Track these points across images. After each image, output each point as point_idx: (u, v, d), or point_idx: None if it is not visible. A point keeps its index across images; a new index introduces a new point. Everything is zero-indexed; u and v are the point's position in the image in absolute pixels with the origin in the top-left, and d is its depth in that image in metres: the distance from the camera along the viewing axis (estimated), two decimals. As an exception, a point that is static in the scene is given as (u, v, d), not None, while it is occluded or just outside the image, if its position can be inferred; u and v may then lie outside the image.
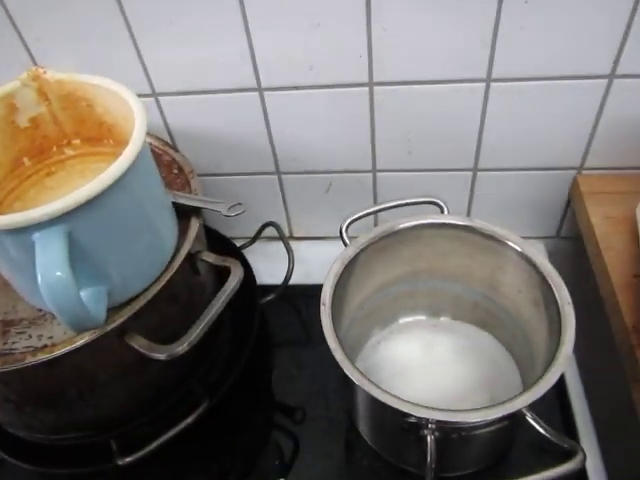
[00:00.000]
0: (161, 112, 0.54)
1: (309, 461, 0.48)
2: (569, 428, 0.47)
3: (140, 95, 0.53)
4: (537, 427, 0.35)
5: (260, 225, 0.59)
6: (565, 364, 0.35)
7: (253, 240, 0.60)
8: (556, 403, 0.49)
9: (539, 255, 0.42)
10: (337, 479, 0.48)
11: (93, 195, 0.31)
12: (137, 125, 0.34)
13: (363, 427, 0.47)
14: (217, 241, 0.58)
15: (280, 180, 0.60)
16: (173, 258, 0.41)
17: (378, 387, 0.36)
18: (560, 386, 0.50)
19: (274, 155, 0.57)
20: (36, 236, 0.31)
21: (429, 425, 0.37)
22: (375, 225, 0.62)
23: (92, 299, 0.35)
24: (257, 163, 0.58)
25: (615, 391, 0.47)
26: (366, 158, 0.56)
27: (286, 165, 0.58)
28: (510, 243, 0.42)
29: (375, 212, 0.49)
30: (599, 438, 0.46)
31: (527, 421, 0.36)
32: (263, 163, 0.58)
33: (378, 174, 0.58)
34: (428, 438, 0.37)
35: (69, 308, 0.31)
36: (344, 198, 0.60)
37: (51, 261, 0.30)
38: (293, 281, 0.55)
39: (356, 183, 0.59)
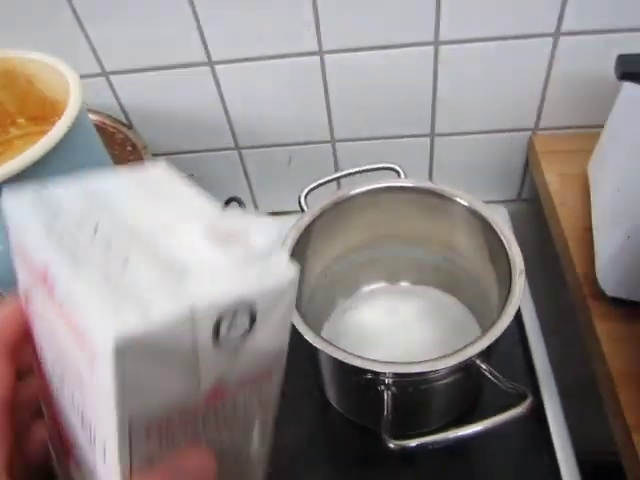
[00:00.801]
0: (113, 91, 0.54)
1: (278, 429, 0.49)
2: (534, 389, 0.48)
3: (90, 75, 0.53)
4: (488, 375, 0.36)
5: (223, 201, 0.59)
6: (515, 307, 0.36)
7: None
8: (522, 365, 0.50)
9: (483, 205, 0.42)
10: (307, 445, 0.48)
11: (17, 170, 0.30)
12: (72, 97, 0.34)
13: (329, 392, 0.48)
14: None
15: (240, 155, 0.60)
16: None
17: (330, 344, 0.36)
18: (525, 349, 0.51)
19: (232, 130, 0.57)
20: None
21: (386, 381, 0.37)
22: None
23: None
24: (216, 139, 0.58)
25: (576, 351, 0.48)
26: (324, 128, 0.56)
27: (245, 140, 0.58)
28: (458, 199, 0.43)
29: (332, 180, 0.49)
30: (563, 396, 0.47)
31: (483, 374, 0.37)
32: (222, 139, 0.58)
33: (337, 144, 0.58)
34: (385, 394, 0.37)
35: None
36: (306, 170, 0.61)
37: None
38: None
39: (317, 154, 0.59)
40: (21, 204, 0.17)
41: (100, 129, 0.52)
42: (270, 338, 0.16)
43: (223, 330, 0.14)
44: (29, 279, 0.17)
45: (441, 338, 0.52)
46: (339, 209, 0.47)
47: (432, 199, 0.46)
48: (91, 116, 0.53)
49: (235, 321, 0.14)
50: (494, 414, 0.48)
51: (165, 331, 0.13)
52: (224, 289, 0.14)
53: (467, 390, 0.45)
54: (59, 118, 0.42)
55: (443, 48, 0.48)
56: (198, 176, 0.45)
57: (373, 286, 0.55)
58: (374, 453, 0.44)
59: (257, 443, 0.21)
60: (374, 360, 0.35)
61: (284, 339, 0.17)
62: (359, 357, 0.35)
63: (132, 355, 0.13)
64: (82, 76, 0.52)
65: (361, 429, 0.47)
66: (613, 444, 0.38)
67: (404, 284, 0.55)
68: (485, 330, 0.46)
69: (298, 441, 0.48)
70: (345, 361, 0.35)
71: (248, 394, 0.18)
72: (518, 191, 0.63)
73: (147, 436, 0.15)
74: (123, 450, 0.14)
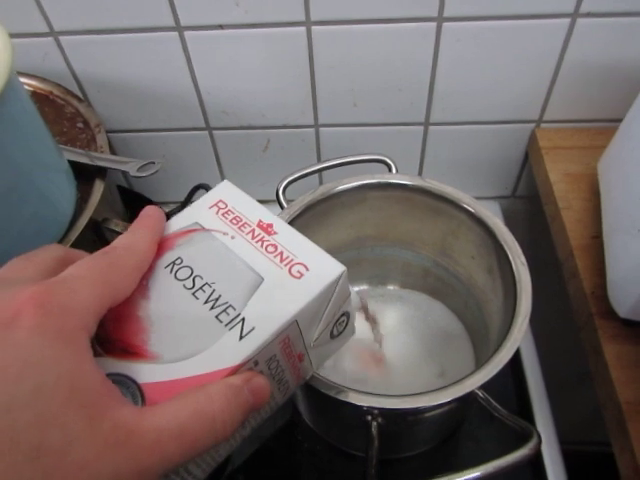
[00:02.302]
0: (64, 55, 0.46)
1: (247, 444, 0.44)
2: (523, 403, 0.44)
3: (35, 34, 0.45)
4: (489, 408, 0.32)
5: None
6: (520, 339, 0.32)
7: (183, 205, 0.54)
8: (509, 375, 0.47)
9: (493, 218, 0.38)
10: (277, 463, 0.44)
11: None
12: None
13: (304, 410, 0.43)
14: (142, 207, 0.51)
15: (212, 137, 0.53)
16: (71, 228, 0.34)
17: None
18: (514, 358, 0.47)
19: (202, 108, 0.50)
20: None
21: (373, 411, 0.33)
22: (320, 186, 0.57)
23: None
24: (183, 117, 0.51)
25: (572, 362, 0.44)
26: (307, 111, 0.50)
27: (217, 119, 0.51)
28: (463, 204, 0.38)
29: (315, 172, 0.43)
30: (553, 410, 0.44)
31: (478, 400, 0.33)
32: (190, 117, 0.51)
33: (321, 129, 0.52)
34: (372, 424, 0.33)
35: None
36: (285, 157, 0.54)
37: None
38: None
39: (297, 140, 0.53)
40: (235, 187, 0.26)
41: (46, 101, 0.45)
42: (330, 353, 0.27)
43: (341, 319, 0.24)
44: (220, 223, 0.24)
45: (425, 347, 0.48)
46: (322, 206, 0.42)
47: (429, 199, 0.41)
48: (36, 84, 0.45)
49: (343, 321, 0.25)
50: (478, 427, 0.45)
51: (345, 288, 0.23)
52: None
53: (459, 414, 0.41)
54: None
55: (447, 25, 0.42)
56: (163, 159, 0.39)
57: (355, 288, 0.50)
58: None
59: (249, 427, 0.25)
60: (363, 392, 0.30)
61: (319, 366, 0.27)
62: (346, 390, 0.30)
63: (336, 282, 0.23)
64: (25, 35, 0.45)
65: (332, 447, 0.43)
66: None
67: (389, 287, 0.50)
68: (482, 350, 0.42)
69: (266, 459, 0.44)
70: (329, 394, 0.30)
71: (290, 377, 0.25)
72: (513, 188, 0.58)
73: (278, 342, 0.21)
74: (273, 336, 0.21)
